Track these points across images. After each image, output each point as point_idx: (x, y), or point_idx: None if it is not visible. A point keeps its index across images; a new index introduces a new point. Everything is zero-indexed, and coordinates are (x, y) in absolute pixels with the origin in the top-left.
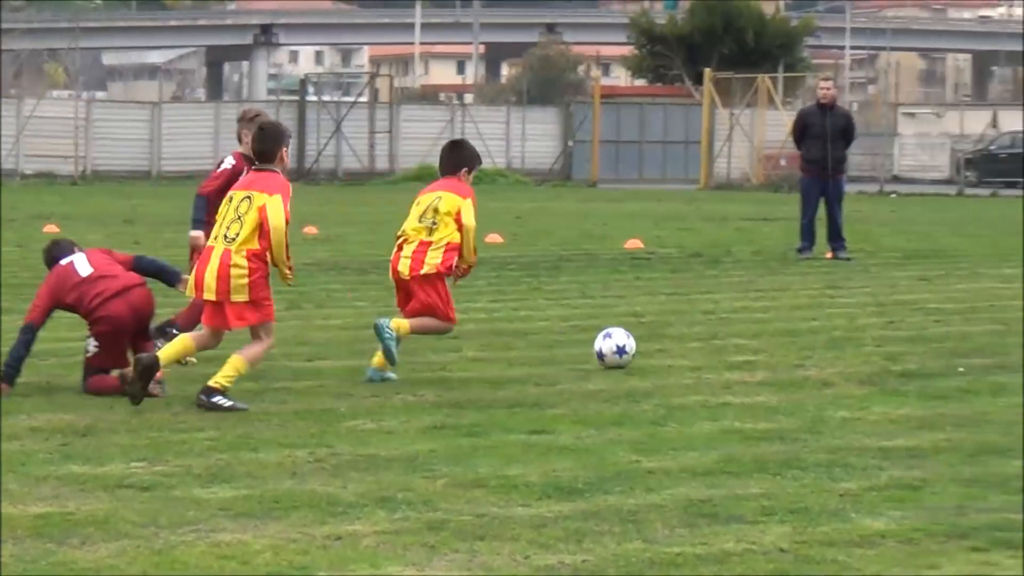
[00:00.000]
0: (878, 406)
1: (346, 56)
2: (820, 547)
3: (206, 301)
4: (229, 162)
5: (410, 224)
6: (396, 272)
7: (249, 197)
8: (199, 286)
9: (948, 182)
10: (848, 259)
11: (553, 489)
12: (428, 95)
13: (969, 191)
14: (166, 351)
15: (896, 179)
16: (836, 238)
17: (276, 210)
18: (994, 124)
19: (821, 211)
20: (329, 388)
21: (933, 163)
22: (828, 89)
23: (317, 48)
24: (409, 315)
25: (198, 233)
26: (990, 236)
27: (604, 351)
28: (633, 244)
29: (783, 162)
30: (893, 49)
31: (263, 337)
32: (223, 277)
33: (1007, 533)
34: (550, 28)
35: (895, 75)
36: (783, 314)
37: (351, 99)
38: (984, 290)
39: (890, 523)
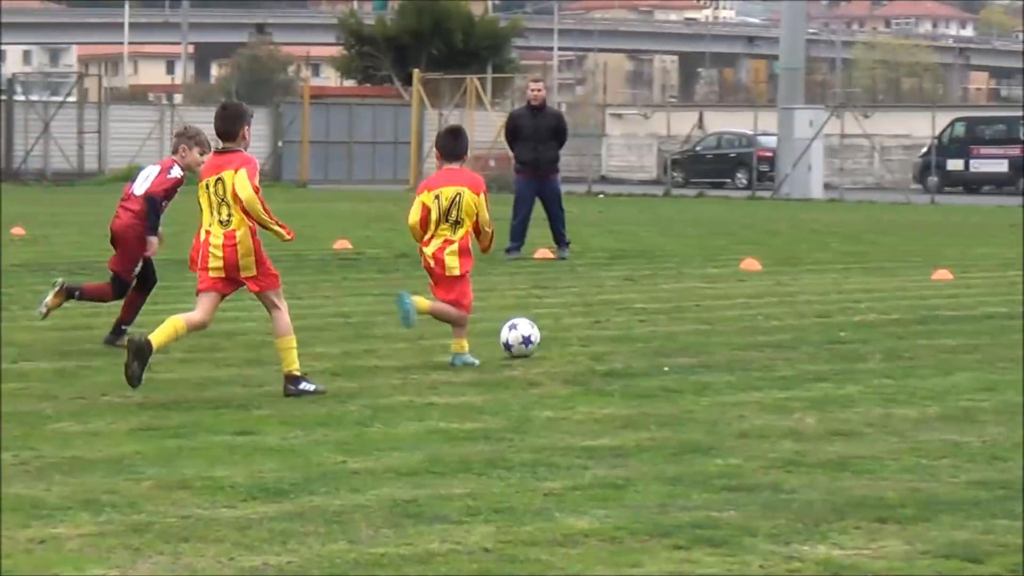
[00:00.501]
0: (583, 405)
1: (55, 56)
2: (524, 546)
3: (213, 279)
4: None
5: (433, 218)
6: (431, 268)
7: (221, 179)
8: (204, 267)
9: (655, 182)
10: (563, 258)
11: (258, 490)
12: (137, 95)
13: (676, 191)
14: (157, 335)
15: (604, 179)
16: (559, 238)
17: (242, 183)
18: (700, 125)
19: (539, 212)
20: (34, 390)
21: (640, 164)
22: (538, 91)
23: (25, 47)
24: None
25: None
26: (696, 236)
27: (511, 342)
28: (341, 244)
29: (492, 163)
30: (601, 51)
31: (279, 304)
32: (230, 256)
33: (708, 531)
34: (259, 28)
35: (603, 76)
36: (490, 314)
37: (59, 99)
38: (689, 290)
39: (593, 522)
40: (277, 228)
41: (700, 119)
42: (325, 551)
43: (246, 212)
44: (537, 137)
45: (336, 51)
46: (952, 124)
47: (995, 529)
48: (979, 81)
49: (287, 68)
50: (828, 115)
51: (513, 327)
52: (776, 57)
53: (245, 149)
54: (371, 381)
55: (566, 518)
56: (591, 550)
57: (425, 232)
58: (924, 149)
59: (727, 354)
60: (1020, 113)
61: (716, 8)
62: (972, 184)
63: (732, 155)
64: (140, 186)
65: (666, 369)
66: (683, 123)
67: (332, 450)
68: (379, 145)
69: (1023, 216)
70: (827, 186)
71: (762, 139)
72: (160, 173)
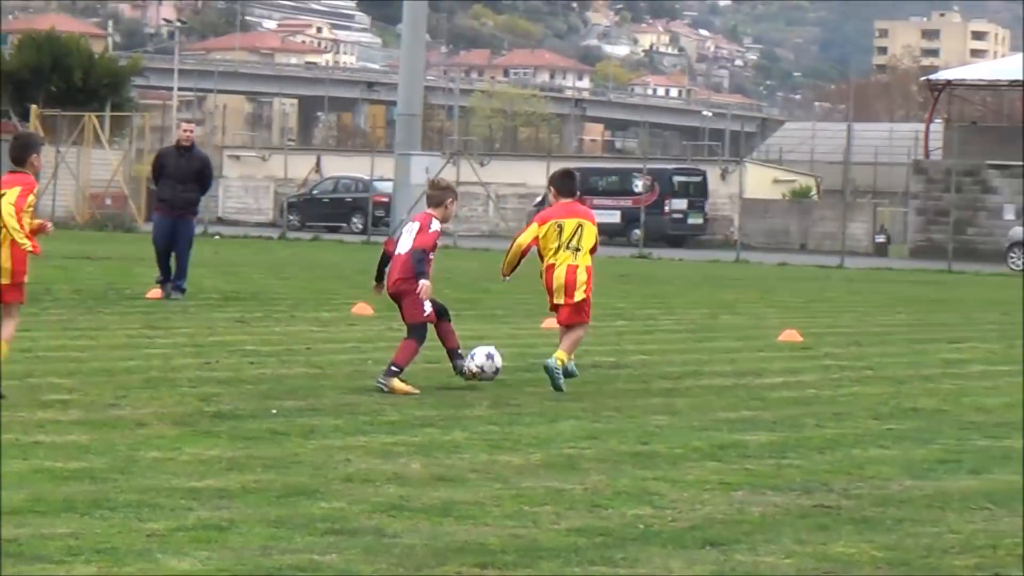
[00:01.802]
0: (190, 447)
1: None
2: None
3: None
4: None
5: (560, 246)
6: (559, 288)
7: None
8: None
9: (272, 225)
10: (173, 298)
11: None
12: None
13: (292, 235)
14: None
15: (220, 221)
16: (178, 277)
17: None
18: (318, 168)
19: None
20: None
21: (257, 206)
22: (188, 132)
23: None
24: (564, 325)
25: None
26: (309, 280)
27: (486, 369)
28: None
29: (108, 201)
30: (221, 92)
31: (15, 315)
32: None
33: (309, 573)
34: None
35: (222, 117)
36: (101, 353)
37: None
38: (300, 333)
39: (195, 564)
40: (18, 237)
41: (318, 163)
42: None
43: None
44: (180, 177)
45: None
46: None
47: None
48: (594, 132)
49: None
50: (444, 162)
51: (490, 356)
52: (394, 103)
53: (35, 175)
54: None
55: (168, 559)
56: None
57: (540, 257)
58: (538, 198)
59: (335, 398)
60: (633, 165)
61: (337, 53)
62: None
63: (348, 200)
64: (405, 244)
65: (274, 411)
66: (301, 166)
67: None
68: None
69: (632, 267)
70: (442, 233)
71: (379, 184)
72: (422, 229)
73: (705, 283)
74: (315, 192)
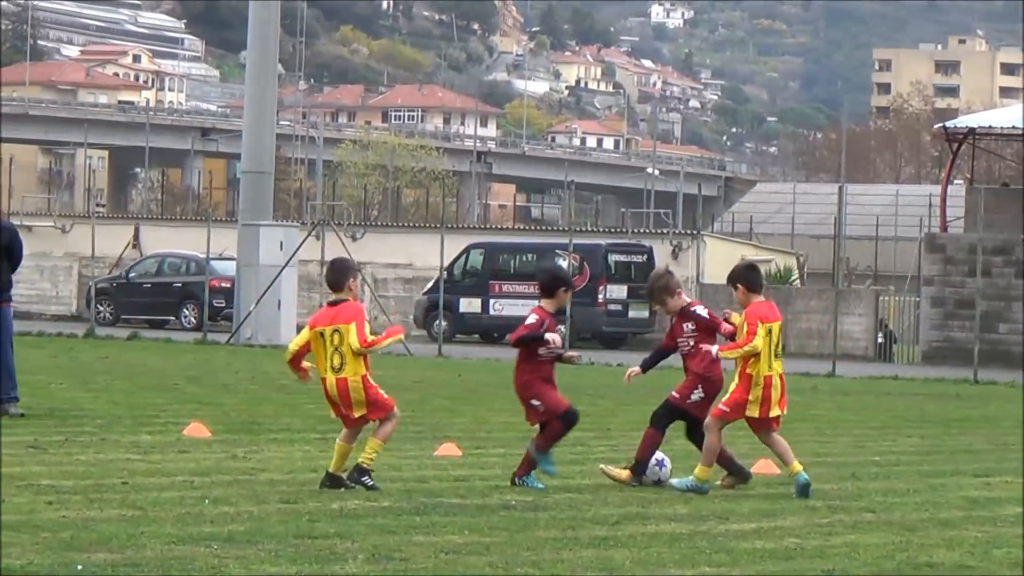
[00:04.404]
0: None
1: None
2: None
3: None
4: None
5: (766, 354)
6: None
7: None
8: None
9: (75, 318)
10: (21, 414)
11: None
12: None
13: (102, 331)
14: None
15: None
16: (9, 387)
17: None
18: (136, 243)
19: None
20: None
21: (55, 293)
22: None
23: None
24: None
25: None
26: (126, 391)
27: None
28: None
29: None
30: (6, 141)
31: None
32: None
33: None
34: None
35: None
36: None
37: None
38: (114, 462)
39: None
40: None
41: (136, 235)
42: None
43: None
44: None
45: None
46: (467, 251)
47: None
48: (504, 196)
49: None
50: (305, 235)
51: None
52: (237, 156)
53: (354, 299)
54: None
55: None
56: None
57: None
58: (430, 283)
59: (161, 550)
60: (555, 240)
61: (160, 89)
62: (492, 331)
63: (178, 284)
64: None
65: (79, 567)
66: (114, 240)
67: None
68: None
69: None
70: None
71: (218, 264)
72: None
73: (652, 397)
74: (132, 275)
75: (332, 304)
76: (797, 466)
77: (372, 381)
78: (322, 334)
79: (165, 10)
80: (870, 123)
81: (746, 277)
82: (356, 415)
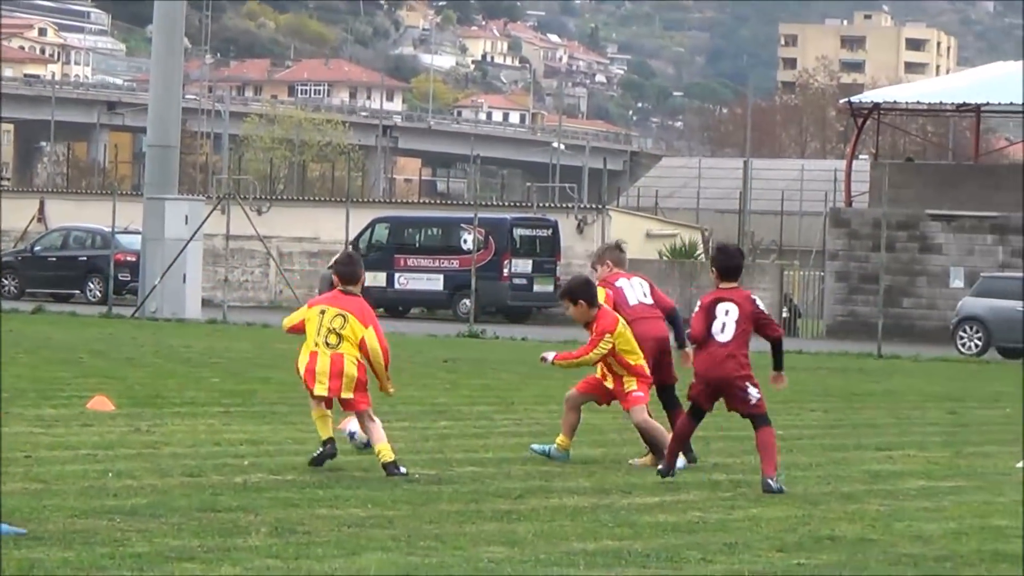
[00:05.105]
0: None
1: None
2: None
3: None
4: None
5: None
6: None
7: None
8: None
9: None
10: None
11: None
12: None
13: (7, 304)
14: None
15: None
16: None
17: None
18: (41, 217)
19: None
20: None
21: None
22: None
23: None
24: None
25: None
26: (30, 365)
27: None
28: None
29: None
30: None
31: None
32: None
33: None
34: None
35: None
36: None
37: None
38: (18, 436)
39: None
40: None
41: (41, 209)
42: None
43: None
44: None
45: None
46: (372, 225)
47: None
48: (410, 170)
49: None
50: (211, 209)
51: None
52: (143, 130)
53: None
54: None
55: None
56: None
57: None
58: (335, 257)
59: (64, 522)
60: (461, 214)
61: (66, 63)
62: (398, 305)
63: (83, 259)
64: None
65: None
66: (19, 214)
67: None
68: None
69: (459, 348)
70: (208, 303)
71: (123, 238)
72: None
73: (556, 371)
74: (38, 248)
75: (344, 292)
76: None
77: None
78: (323, 312)
79: None
80: (776, 98)
81: (587, 293)
82: (343, 394)
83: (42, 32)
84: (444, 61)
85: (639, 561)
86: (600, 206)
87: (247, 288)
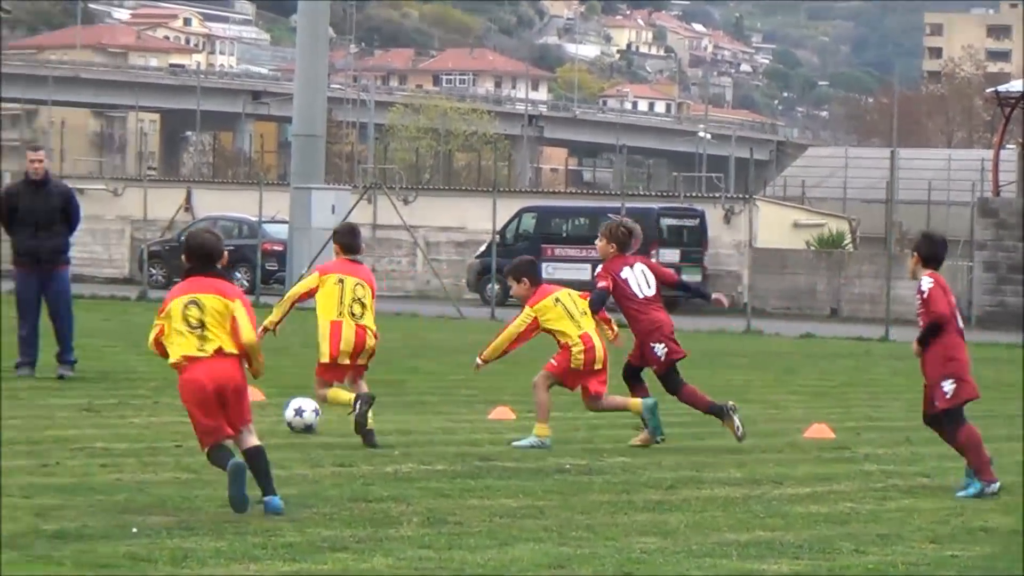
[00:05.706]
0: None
1: None
2: None
3: None
4: None
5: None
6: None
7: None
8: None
9: (128, 281)
10: (70, 376)
11: None
12: None
13: (155, 294)
14: None
15: None
16: (63, 350)
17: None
18: (188, 206)
19: None
20: None
21: (108, 256)
22: (38, 162)
23: None
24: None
25: None
26: None
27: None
28: None
29: None
30: (57, 104)
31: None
32: None
33: None
34: None
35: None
36: None
37: None
38: (168, 426)
39: None
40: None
41: (188, 198)
42: None
43: None
44: (38, 219)
45: None
46: (519, 215)
47: None
48: (556, 160)
49: None
50: (356, 199)
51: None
52: (289, 120)
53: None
54: None
55: None
56: None
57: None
58: (482, 247)
59: (216, 512)
60: (607, 204)
61: (211, 53)
62: None
63: (230, 247)
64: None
65: (134, 530)
66: (165, 203)
67: None
68: None
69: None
70: None
71: (269, 228)
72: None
73: (705, 361)
74: (184, 238)
75: (352, 261)
76: (636, 402)
77: None
78: (342, 281)
79: None
80: (921, 88)
81: (530, 271)
82: (359, 362)
83: (187, 22)
84: (588, 51)
85: (792, 552)
86: (747, 196)
87: (394, 278)
